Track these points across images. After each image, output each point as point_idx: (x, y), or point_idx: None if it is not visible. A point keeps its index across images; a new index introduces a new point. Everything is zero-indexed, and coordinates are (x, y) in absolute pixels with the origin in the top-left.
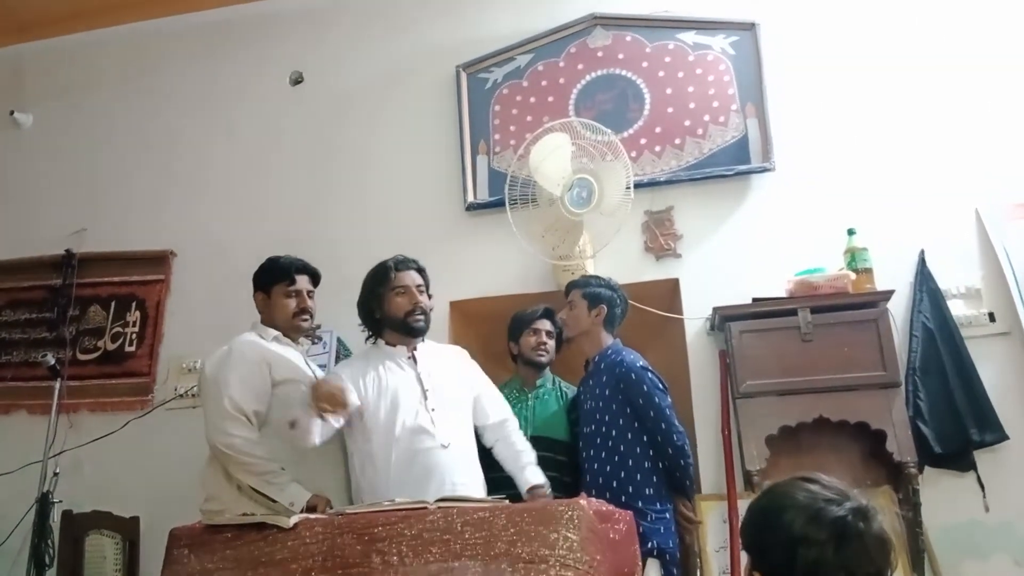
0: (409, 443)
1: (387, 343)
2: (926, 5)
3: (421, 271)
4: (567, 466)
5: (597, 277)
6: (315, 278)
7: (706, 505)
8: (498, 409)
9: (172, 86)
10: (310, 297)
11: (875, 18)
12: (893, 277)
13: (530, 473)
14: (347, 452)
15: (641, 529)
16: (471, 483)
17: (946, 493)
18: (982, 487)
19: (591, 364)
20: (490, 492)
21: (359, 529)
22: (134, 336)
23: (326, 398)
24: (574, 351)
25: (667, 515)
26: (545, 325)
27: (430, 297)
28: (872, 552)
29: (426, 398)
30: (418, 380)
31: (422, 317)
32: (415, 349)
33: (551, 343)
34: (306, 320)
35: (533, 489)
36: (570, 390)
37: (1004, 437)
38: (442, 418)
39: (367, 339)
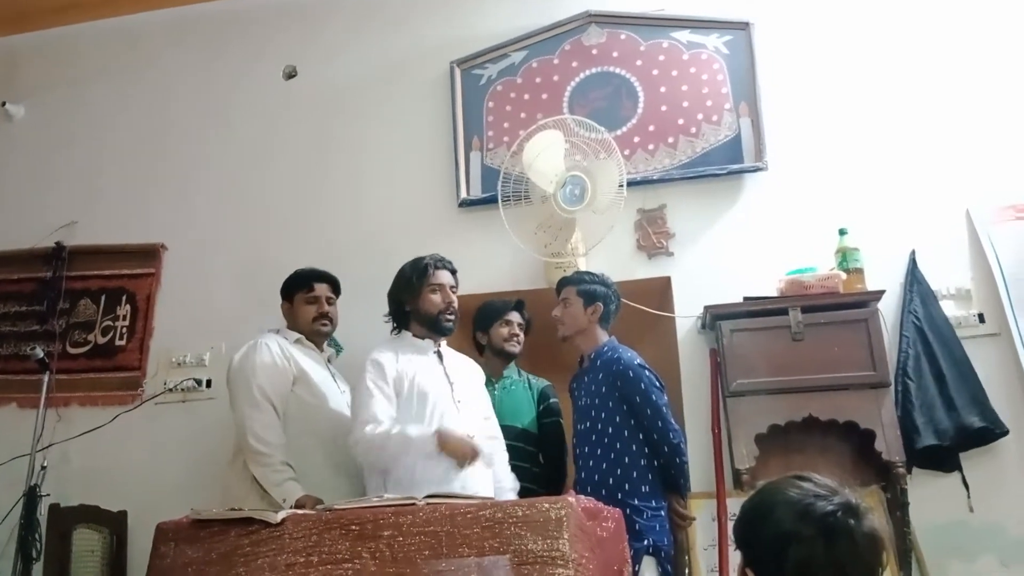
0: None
1: (414, 335)
2: (919, 7)
3: (454, 273)
4: (536, 457)
5: (590, 273)
6: (335, 287)
7: (695, 503)
8: (496, 428)
9: (165, 79)
10: (330, 304)
11: (868, 19)
12: (884, 277)
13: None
14: None
15: (637, 526)
16: (486, 476)
17: (934, 494)
18: (967, 487)
19: (586, 360)
20: None
21: (346, 524)
22: (124, 330)
23: (457, 454)
24: (542, 345)
25: (662, 512)
26: (517, 317)
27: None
28: (862, 550)
29: (452, 390)
30: (445, 374)
31: (452, 317)
32: (440, 345)
33: (522, 335)
34: (325, 325)
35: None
36: (538, 383)
37: (1005, 431)
38: (466, 411)
39: (392, 330)
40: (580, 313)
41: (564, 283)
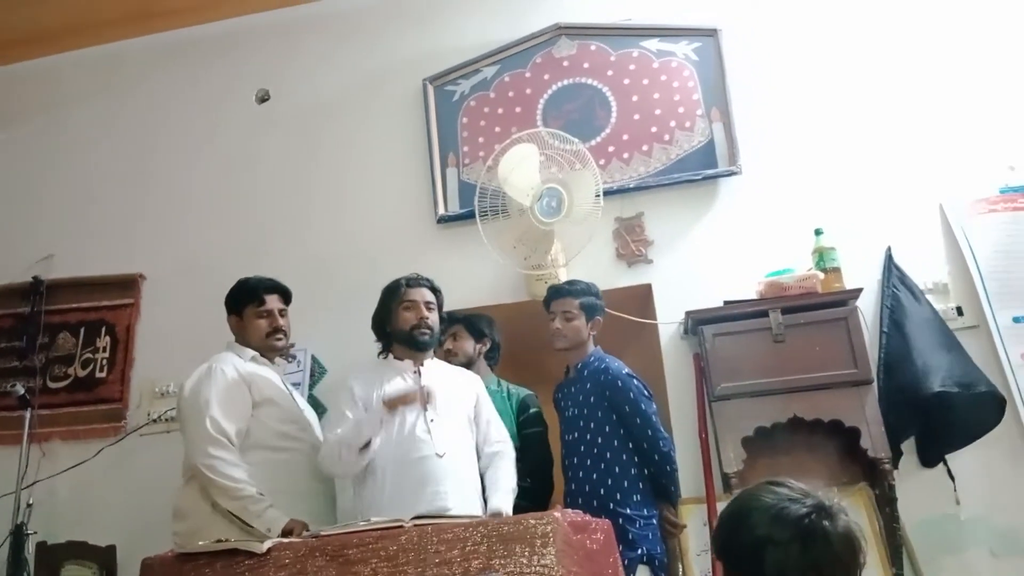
0: (405, 451)
1: (396, 357)
2: (885, 5)
3: (435, 291)
4: (519, 471)
5: (583, 283)
6: (285, 296)
7: (685, 509)
8: (498, 437)
9: (140, 107)
10: (282, 315)
11: (834, 20)
12: (861, 275)
13: (497, 499)
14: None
15: (630, 536)
16: (462, 494)
17: (922, 489)
18: (952, 480)
19: (572, 371)
20: None
21: (333, 551)
22: (104, 361)
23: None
24: (523, 356)
25: (654, 521)
26: (452, 328)
27: (443, 319)
28: (839, 550)
29: (425, 409)
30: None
31: (427, 332)
32: (421, 364)
33: (460, 344)
34: (280, 339)
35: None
36: (517, 392)
37: (1001, 397)
38: (439, 428)
39: (379, 353)
40: (583, 326)
41: (561, 294)
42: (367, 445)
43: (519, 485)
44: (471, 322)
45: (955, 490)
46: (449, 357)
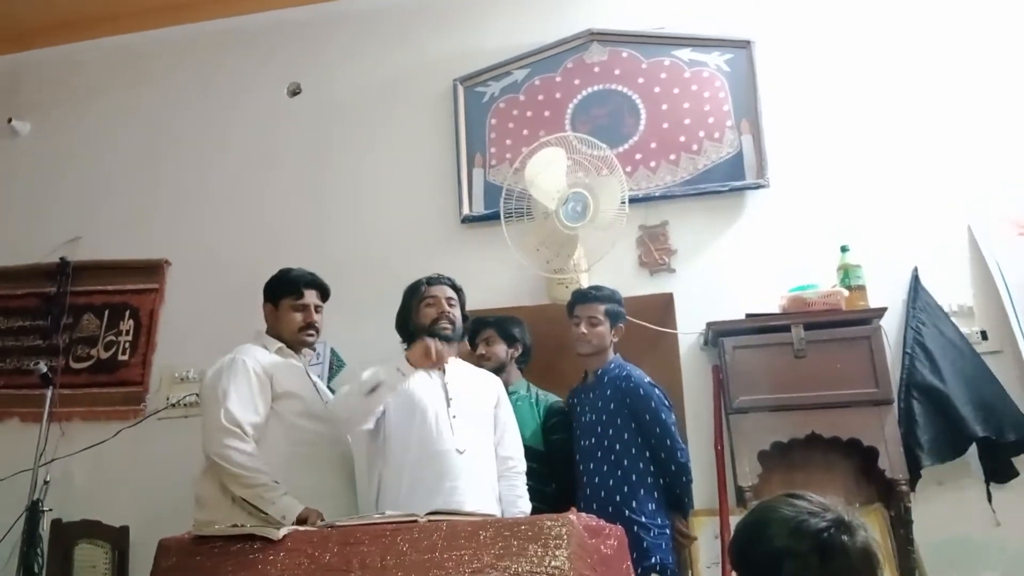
0: (426, 445)
1: None
2: (918, 23)
3: (456, 289)
4: (543, 476)
5: (608, 289)
6: (324, 293)
7: (698, 521)
8: (512, 445)
9: (168, 95)
10: (318, 312)
11: (868, 36)
12: (886, 294)
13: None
14: (356, 461)
15: (644, 544)
16: (479, 492)
17: (938, 511)
18: (990, 499)
19: (591, 376)
20: None
21: (347, 542)
22: (127, 345)
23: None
24: (543, 360)
25: (667, 530)
26: (484, 333)
27: (466, 319)
28: (856, 565)
29: (449, 405)
30: (443, 388)
31: (449, 326)
32: (445, 361)
33: (492, 349)
34: (311, 335)
35: None
36: (546, 398)
37: None
38: (462, 425)
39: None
40: (607, 332)
41: (588, 299)
42: (374, 390)
43: (544, 490)
44: (503, 326)
45: (993, 511)
46: (482, 362)
